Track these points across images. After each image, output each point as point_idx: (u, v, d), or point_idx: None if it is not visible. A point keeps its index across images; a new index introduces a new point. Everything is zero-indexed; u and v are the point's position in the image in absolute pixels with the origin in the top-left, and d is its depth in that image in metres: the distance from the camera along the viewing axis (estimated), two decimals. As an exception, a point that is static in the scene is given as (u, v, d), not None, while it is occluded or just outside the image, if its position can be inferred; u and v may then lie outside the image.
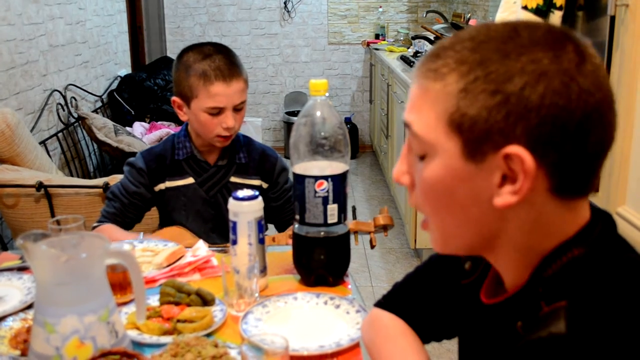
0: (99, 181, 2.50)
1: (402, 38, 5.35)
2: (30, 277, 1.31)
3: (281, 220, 1.77)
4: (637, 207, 1.62)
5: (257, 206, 1.24)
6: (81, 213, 2.07)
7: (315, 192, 1.23)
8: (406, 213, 3.54)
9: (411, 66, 4.02)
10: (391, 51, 4.91)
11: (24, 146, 2.66)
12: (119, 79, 4.37)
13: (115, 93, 4.21)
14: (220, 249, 1.49)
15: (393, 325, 0.96)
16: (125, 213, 1.66)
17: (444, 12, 5.31)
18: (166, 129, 3.90)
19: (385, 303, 1.00)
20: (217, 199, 1.70)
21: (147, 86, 4.27)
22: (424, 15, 5.38)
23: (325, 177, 1.22)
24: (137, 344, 1.07)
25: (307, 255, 1.29)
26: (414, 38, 4.66)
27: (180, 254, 1.41)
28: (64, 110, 3.44)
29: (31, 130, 2.99)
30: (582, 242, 0.67)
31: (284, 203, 1.74)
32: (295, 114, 5.26)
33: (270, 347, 0.92)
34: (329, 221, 1.25)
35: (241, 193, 1.24)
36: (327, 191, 1.23)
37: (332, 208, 1.25)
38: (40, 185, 2.43)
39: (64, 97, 3.47)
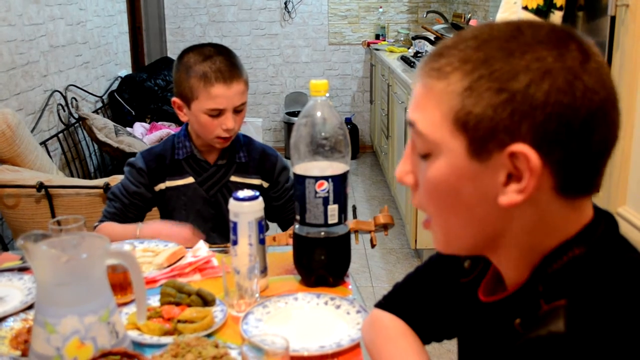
0: (100, 182, 2.50)
1: (402, 38, 5.35)
2: (31, 278, 1.31)
3: (283, 219, 1.77)
4: (637, 208, 1.62)
5: (258, 207, 1.24)
6: (82, 213, 2.06)
7: (316, 192, 1.23)
8: (407, 213, 3.54)
9: (411, 66, 4.02)
10: (391, 51, 4.91)
11: (24, 147, 2.66)
12: (119, 79, 4.37)
13: (115, 93, 4.22)
14: (220, 249, 1.49)
15: (393, 326, 0.96)
16: (126, 213, 1.67)
17: (444, 13, 5.31)
18: (167, 130, 3.90)
19: (386, 304, 1.00)
20: (217, 198, 1.70)
21: (148, 87, 4.27)
22: (424, 15, 5.38)
23: (326, 178, 1.22)
24: (138, 345, 1.07)
25: (308, 255, 1.29)
26: (414, 38, 4.66)
27: (181, 254, 1.42)
28: (64, 110, 3.44)
29: (32, 131, 3.00)
30: (584, 241, 0.67)
31: (285, 202, 1.74)
32: (295, 114, 5.26)
33: (271, 347, 0.92)
34: (330, 222, 1.25)
35: (242, 193, 1.24)
36: (328, 191, 1.23)
37: (333, 208, 1.25)
38: (40, 186, 2.43)
39: (65, 98, 3.47)
